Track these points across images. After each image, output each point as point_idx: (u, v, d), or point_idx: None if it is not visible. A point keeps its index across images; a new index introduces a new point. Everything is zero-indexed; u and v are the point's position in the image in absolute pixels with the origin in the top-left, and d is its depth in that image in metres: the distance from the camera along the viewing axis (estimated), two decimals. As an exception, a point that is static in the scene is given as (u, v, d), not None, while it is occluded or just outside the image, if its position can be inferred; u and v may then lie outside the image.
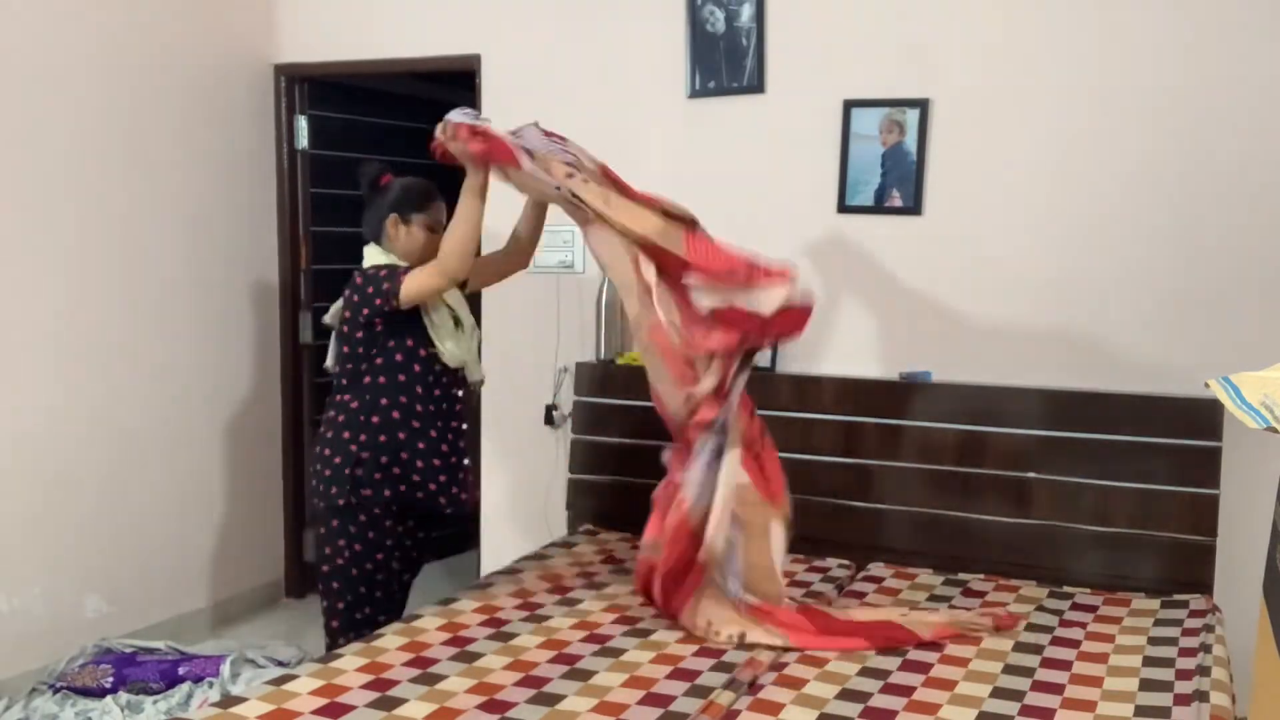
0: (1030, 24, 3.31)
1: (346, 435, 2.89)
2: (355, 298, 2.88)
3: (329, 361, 3.04)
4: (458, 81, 4.56)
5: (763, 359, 3.62)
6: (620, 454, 3.75)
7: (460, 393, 3.06)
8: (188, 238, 4.06)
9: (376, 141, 4.71)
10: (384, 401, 2.90)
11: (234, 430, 4.31)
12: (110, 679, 3.36)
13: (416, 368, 2.92)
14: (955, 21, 3.39)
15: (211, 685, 3.34)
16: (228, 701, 2.18)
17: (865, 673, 2.43)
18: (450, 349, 2.95)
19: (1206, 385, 1.12)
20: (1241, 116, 3.12)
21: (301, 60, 4.37)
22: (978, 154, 3.40)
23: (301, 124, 4.44)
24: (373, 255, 2.98)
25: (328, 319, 3.09)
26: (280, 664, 3.49)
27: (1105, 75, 3.24)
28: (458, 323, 3.03)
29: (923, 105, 3.42)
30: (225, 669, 3.38)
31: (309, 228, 4.49)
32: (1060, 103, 3.29)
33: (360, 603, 2.92)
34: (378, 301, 2.83)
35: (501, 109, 4.02)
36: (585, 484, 3.81)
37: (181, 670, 3.41)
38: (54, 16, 3.52)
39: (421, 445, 2.92)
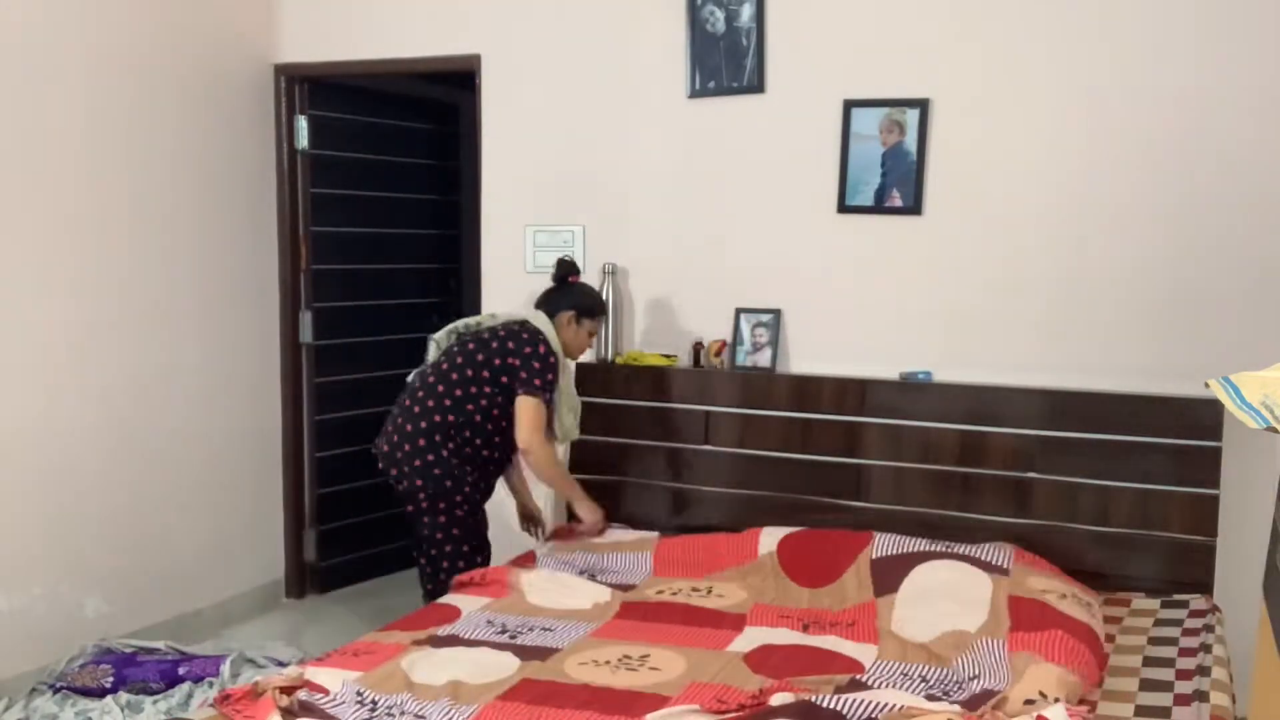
0: (1030, 24, 3.31)
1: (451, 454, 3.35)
2: (533, 363, 3.27)
3: (438, 364, 3.38)
4: (458, 82, 4.57)
5: (763, 359, 3.63)
6: (620, 454, 3.76)
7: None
8: (188, 237, 4.06)
9: (376, 141, 4.71)
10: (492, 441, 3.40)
11: (234, 430, 4.31)
12: (110, 679, 3.36)
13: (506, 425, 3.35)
14: (955, 21, 3.39)
15: (211, 685, 3.34)
16: None
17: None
18: (569, 423, 3.51)
19: (1206, 385, 1.12)
20: (1241, 116, 3.12)
21: (301, 60, 4.36)
22: (978, 154, 3.40)
23: (301, 124, 4.44)
24: (546, 327, 3.36)
25: (443, 338, 3.50)
26: (280, 664, 3.49)
27: (1105, 75, 3.24)
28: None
29: (923, 105, 3.42)
30: (225, 669, 3.38)
31: (309, 228, 4.49)
32: (1060, 103, 3.29)
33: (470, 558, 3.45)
34: (536, 382, 3.26)
35: (501, 109, 4.03)
36: (585, 484, 3.80)
37: (181, 670, 3.41)
38: (54, 17, 3.52)
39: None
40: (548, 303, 3.45)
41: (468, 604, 2.93)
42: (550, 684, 2.36)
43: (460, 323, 3.50)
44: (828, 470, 3.48)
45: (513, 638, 2.67)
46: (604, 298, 3.80)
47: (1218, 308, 3.17)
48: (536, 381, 3.24)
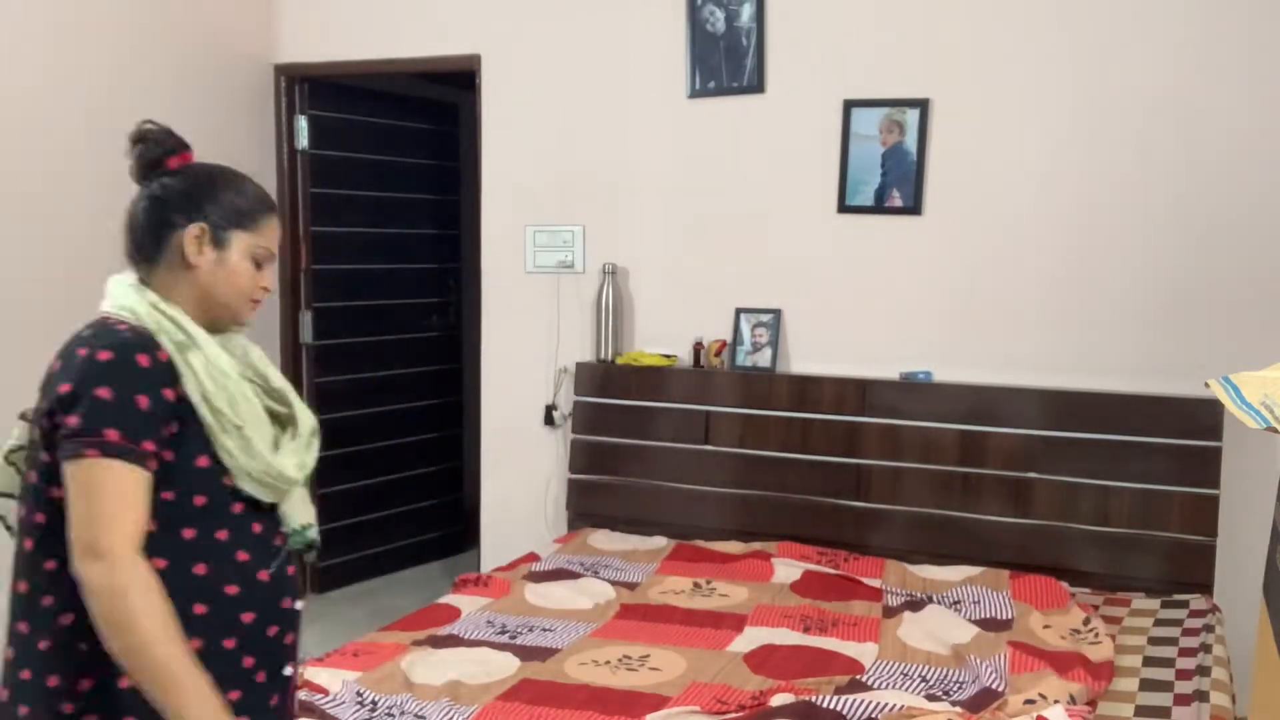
0: (1030, 25, 3.31)
1: None
2: (88, 388, 1.49)
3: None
4: (458, 81, 4.57)
5: (763, 359, 3.63)
6: (620, 454, 3.76)
7: None
8: (188, 238, 4.06)
9: (376, 141, 4.71)
10: None
11: (234, 430, 4.30)
12: (110, 679, 3.36)
13: None
14: (955, 21, 3.39)
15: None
16: None
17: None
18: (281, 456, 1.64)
19: (1206, 385, 1.12)
20: (1242, 116, 3.12)
21: (301, 60, 4.36)
22: (978, 154, 3.40)
23: (301, 124, 4.44)
24: (128, 299, 1.66)
25: None
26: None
27: (1104, 76, 3.24)
28: None
29: (923, 105, 3.42)
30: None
31: (309, 228, 4.49)
32: (1060, 103, 3.29)
33: None
34: (94, 428, 1.46)
35: (502, 109, 4.03)
36: (585, 484, 3.81)
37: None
38: (54, 17, 3.52)
39: None
40: (135, 235, 1.67)
41: (468, 604, 2.93)
42: (550, 684, 2.36)
43: None
44: (828, 470, 3.48)
45: (513, 638, 2.67)
46: (606, 299, 3.80)
47: (1218, 308, 3.17)
48: (96, 428, 1.43)
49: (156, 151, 1.67)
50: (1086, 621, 2.75)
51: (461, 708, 2.22)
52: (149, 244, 1.63)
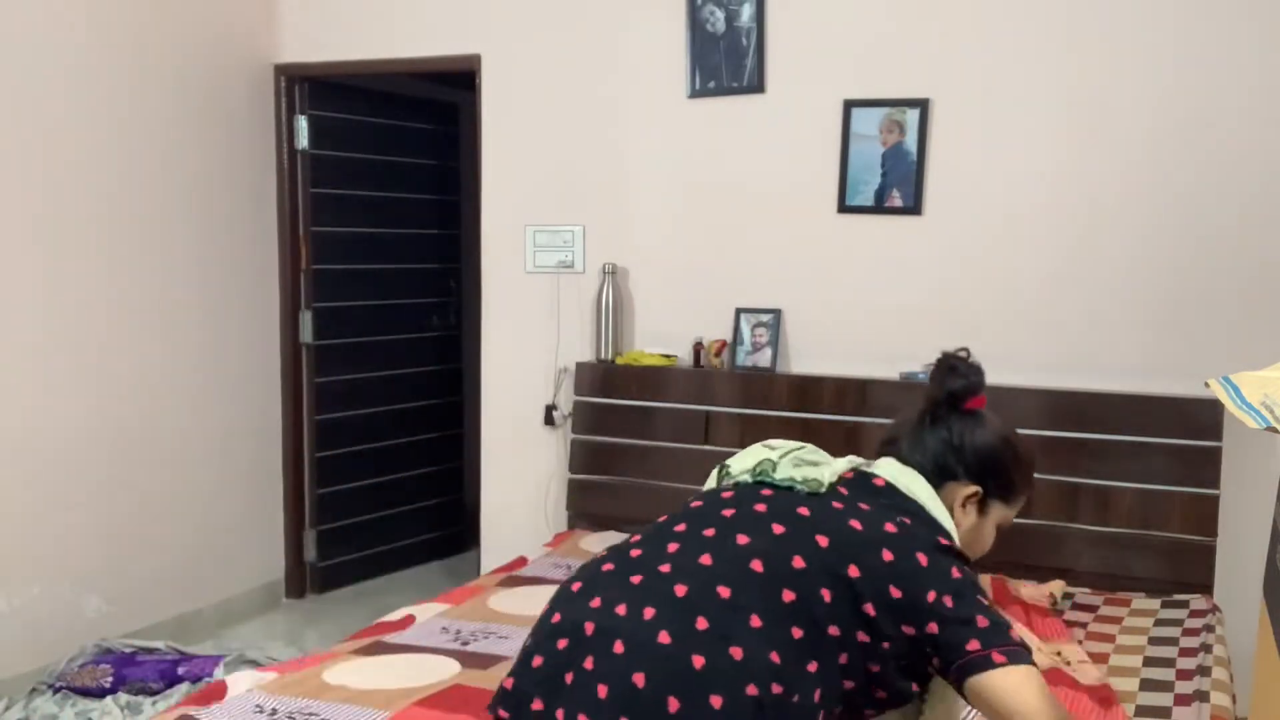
0: (1030, 25, 3.31)
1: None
2: (953, 582, 1.47)
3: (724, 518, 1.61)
4: (458, 82, 4.57)
5: (763, 359, 3.62)
6: (620, 454, 3.75)
7: None
8: (188, 238, 4.06)
9: (376, 141, 4.71)
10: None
11: (234, 430, 4.31)
12: (110, 679, 3.36)
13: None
14: (955, 21, 3.39)
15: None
16: None
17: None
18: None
19: (1206, 385, 1.11)
20: (1242, 116, 3.12)
21: (301, 60, 4.36)
22: (978, 154, 3.40)
23: (301, 124, 4.44)
24: (933, 505, 1.59)
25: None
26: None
27: (1104, 76, 3.24)
28: None
29: (923, 105, 3.42)
30: (219, 672, 3.37)
31: (309, 228, 4.49)
32: (1060, 103, 3.29)
33: None
34: (982, 623, 1.44)
35: (502, 109, 4.03)
36: (585, 484, 3.81)
37: (181, 670, 3.41)
38: (52, 17, 3.52)
39: None
40: (924, 454, 1.70)
41: (424, 611, 2.85)
42: (479, 690, 2.25)
43: (754, 457, 1.79)
44: (828, 470, 3.47)
45: (464, 644, 2.58)
46: (606, 299, 3.80)
47: (1217, 307, 3.17)
48: (982, 622, 1.43)
49: (961, 386, 1.72)
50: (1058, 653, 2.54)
51: (371, 711, 2.13)
52: (924, 467, 1.65)
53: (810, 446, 1.75)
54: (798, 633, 1.39)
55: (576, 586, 1.53)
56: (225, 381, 4.26)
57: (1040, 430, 3.23)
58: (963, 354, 1.74)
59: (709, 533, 1.53)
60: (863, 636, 1.43)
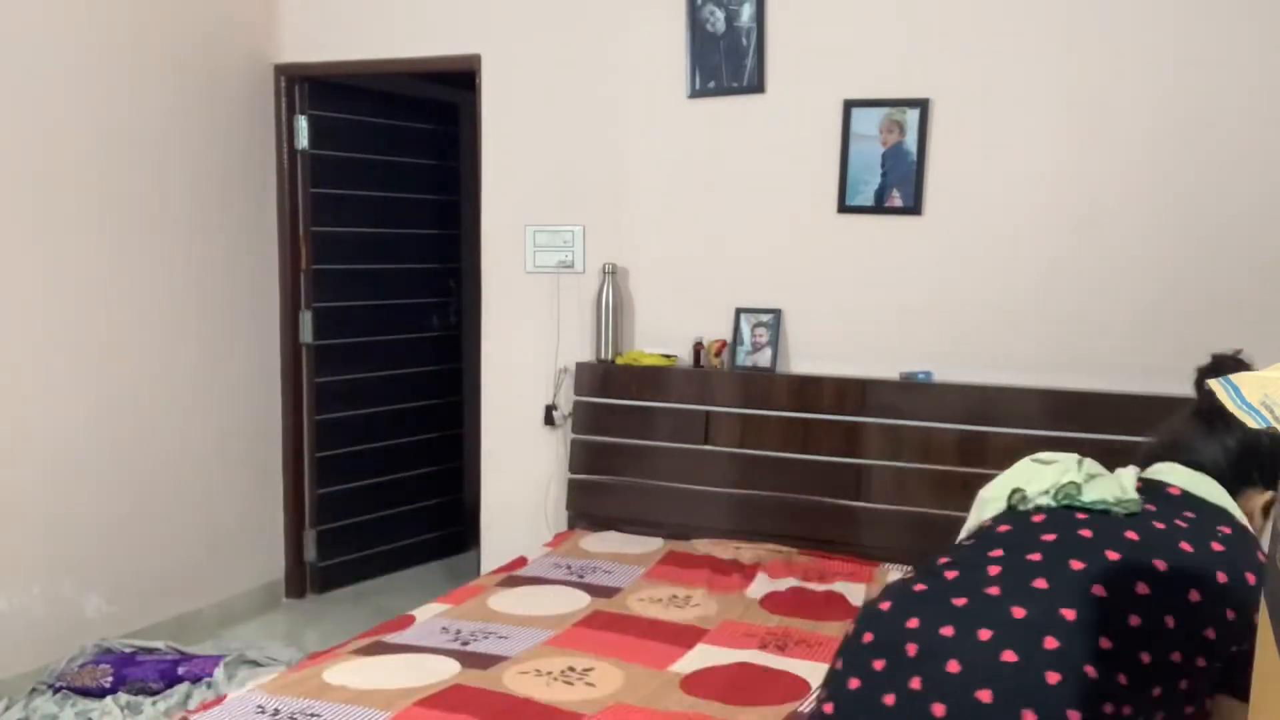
0: (1030, 25, 3.31)
1: None
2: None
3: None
4: (458, 82, 4.57)
5: (763, 359, 3.63)
6: (620, 454, 3.76)
7: None
8: (188, 238, 4.06)
9: (376, 141, 4.71)
10: None
11: (234, 430, 4.31)
12: (110, 679, 3.36)
13: None
14: (955, 22, 3.39)
15: (209, 686, 3.34)
16: None
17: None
18: None
19: (1207, 385, 1.11)
20: (1242, 116, 3.12)
21: (301, 60, 4.37)
22: (978, 154, 3.40)
23: (301, 124, 4.44)
24: (1237, 512, 1.56)
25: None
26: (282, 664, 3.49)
27: (1104, 76, 3.24)
28: None
29: (923, 105, 3.42)
30: (219, 672, 3.37)
31: (309, 228, 4.49)
32: (1060, 103, 3.29)
33: None
34: None
35: (502, 109, 4.03)
36: (585, 484, 3.81)
37: (180, 670, 3.41)
38: (53, 17, 3.52)
39: None
40: (1219, 459, 1.67)
41: (424, 611, 2.85)
42: (479, 691, 2.27)
43: (1046, 479, 1.76)
44: (828, 470, 3.48)
45: (464, 644, 2.59)
46: (606, 299, 3.80)
47: (1217, 307, 3.17)
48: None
49: None
50: None
51: (372, 711, 2.14)
52: (1221, 473, 1.61)
53: (1085, 459, 1.75)
54: (1145, 658, 1.36)
55: (885, 605, 1.50)
56: (225, 381, 4.26)
57: (1039, 430, 3.24)
58: (1238, 354, 1.69)
59: (1034, 557, 1.49)
60: (1201, 661, 1.39)
